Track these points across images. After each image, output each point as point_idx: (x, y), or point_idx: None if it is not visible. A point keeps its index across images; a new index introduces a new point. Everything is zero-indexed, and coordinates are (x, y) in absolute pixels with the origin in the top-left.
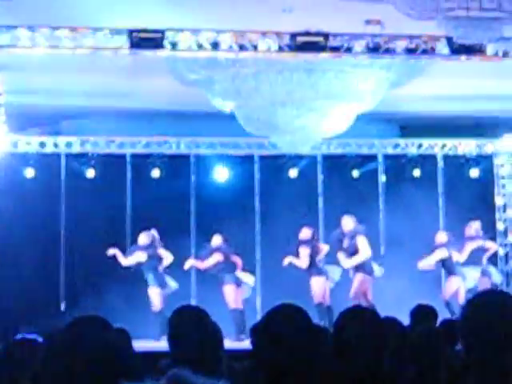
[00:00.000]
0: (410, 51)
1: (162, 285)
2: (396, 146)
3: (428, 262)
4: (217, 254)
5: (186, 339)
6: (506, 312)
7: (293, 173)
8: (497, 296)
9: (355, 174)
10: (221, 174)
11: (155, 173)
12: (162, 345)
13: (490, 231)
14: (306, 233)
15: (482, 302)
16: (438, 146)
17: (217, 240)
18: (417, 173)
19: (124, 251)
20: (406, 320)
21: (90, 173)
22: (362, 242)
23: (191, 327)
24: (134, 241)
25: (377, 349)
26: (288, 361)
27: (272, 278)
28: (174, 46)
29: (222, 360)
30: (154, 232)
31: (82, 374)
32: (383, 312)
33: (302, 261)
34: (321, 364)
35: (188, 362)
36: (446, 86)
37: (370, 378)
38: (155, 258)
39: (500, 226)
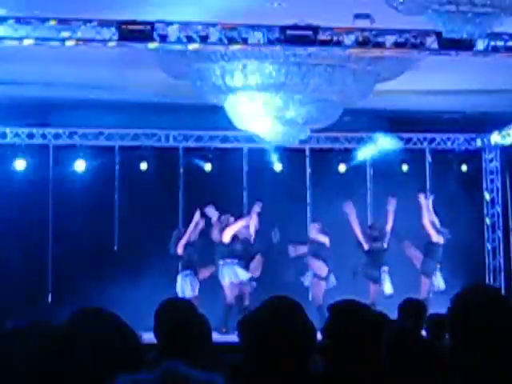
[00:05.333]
0: (399, 45)
1: None
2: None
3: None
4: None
5: (174, 331)
6: (494, 306)
7: (281, 166)
8: (484, 290)
9: (343, 167)
10: (208, 167)
11: (143, 165)
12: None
13: (477, 226)
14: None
15: (470, 296)
16: (427, 141)
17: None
18: (405, 167)
19: (112, 243)
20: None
21: (79, 164)
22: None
23: (178, 319)
24: (122, 232)
25: (369, 344)
26: (277, 355)
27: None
28: (163, 38)
29: (210, 352)
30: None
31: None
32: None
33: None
34: (311, 359)
35: (176, 354)
36: (435, 81)
37: (361, 374)
38: None
39: (488, 221)
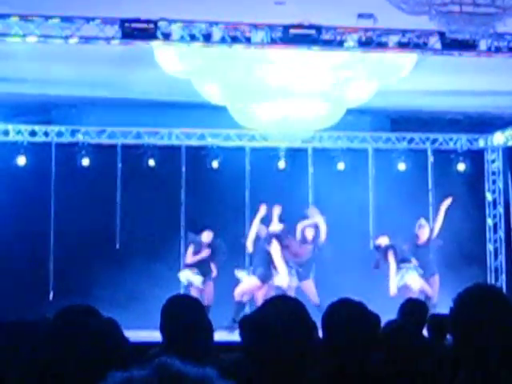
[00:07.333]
0: (402, 45)
1: None
2: (387, 139)
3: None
4: (206, 251)
5: (179, 329)
6: (496, 306)
7: (283, 165)
8: (486, 290)
9: (345, 167)
10: (212, 166)
11: (146, 163)
12: (153, 335)
13: (479, 227)
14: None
15: (472, 296)
16: (429, 141)
17: (208, 236)
18: (407, 167)
19: (113, 241)
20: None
21: (81, 163)
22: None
23: (184, 317)
24: (124, 231)
25: (365, 341)
26: (278, 354)
27: None
28: (166, 36)
29: (212, 351)
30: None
31: (70, 361)
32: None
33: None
34: (311, 358)
35: (178, 351)
36: (437, 81)
37: (358, 372)
38: None
39: (490, 222)
